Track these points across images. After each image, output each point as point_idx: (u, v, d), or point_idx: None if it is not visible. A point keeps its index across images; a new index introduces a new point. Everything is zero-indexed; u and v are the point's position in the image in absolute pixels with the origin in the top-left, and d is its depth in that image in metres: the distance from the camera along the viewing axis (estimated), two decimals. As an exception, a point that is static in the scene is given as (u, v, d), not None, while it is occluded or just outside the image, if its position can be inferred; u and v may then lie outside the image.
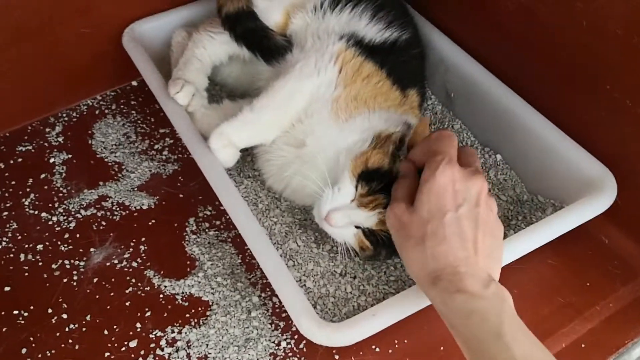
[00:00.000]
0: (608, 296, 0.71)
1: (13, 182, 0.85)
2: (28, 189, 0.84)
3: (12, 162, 0.87)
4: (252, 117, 0.74)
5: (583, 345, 0.68)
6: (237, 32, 0.82)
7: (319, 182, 0.71)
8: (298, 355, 0.67)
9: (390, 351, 0.67)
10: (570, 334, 0.69)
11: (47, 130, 0.91)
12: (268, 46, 0.81)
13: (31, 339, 0.69)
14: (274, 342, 0.68)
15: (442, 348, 0.67)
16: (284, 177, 0.76)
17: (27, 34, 0.86)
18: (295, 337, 0.68)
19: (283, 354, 0.67)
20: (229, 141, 0.74)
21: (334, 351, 0.67)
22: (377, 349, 0.67)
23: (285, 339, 0.68)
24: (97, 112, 0.94)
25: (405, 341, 0.68)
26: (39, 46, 0.87)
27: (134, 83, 0.98)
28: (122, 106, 0.94)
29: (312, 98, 0.74)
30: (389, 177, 0.68)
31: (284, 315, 0.70)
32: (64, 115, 0.93)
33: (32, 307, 0.72)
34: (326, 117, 0.73)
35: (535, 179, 0.77)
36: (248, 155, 0.83)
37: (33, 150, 0.89)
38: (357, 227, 0.69)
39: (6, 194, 0.83)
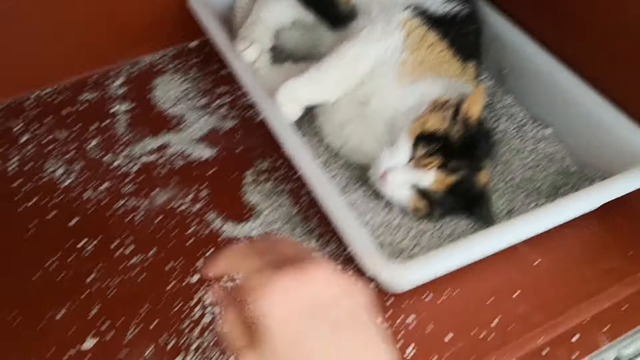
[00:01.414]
0: (649, 265, 0.74)
1: (78, 125, 0.88)
2: (92, 134, 0.87)
3: (76, 108, 0.91)
4: (319, 75, 0.77)
5: (623, 308, 0.71)
6: None
7: (377, 141, 0.74)
8: (353, 298, 0.70)
9: (441, 299, 0.70)
10: (612, 297, 0.72)
11: (109, 81, 0.95)
12: (334, 13, 0.84)
13: (97, 267, 0.72)
14: (330, 284, 0.71)
15: (491, 299, 0.70)
16: (343, 135, 0.80)
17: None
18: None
19: (339, 296, 0.70)
20: (294, 97, 0.77)
21: (387, 296, 0.70)
22: (429, 297, 0.71)
23: (340, 282, 0.71)
24: (156, 68, 0.98)
25: (457, 291, 0.71)
26: (105, 2, 0.92)
27: (192, 44, 1.02)
28: (180, 65, 0.98)
29: (378, 61, 0.77)
30: (445, 140, 0.72)
31: (339, 260, 0.73)
32: (125, 69, 0.97)
33: (97, 240, 0.75)
34: (391, 79, 0.77)
35: (583, 151, 0.81)
36: (306, 115, 0.86)
37: (96, 99, 0.92)
38: (412, 187, 0.73)
39: (71, 137, 0.87)
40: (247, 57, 0.83)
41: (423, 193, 0.72)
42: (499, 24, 0.89)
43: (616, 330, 0.68)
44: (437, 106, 0.75)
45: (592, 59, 0.81)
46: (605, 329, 0.69)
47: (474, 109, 0.73)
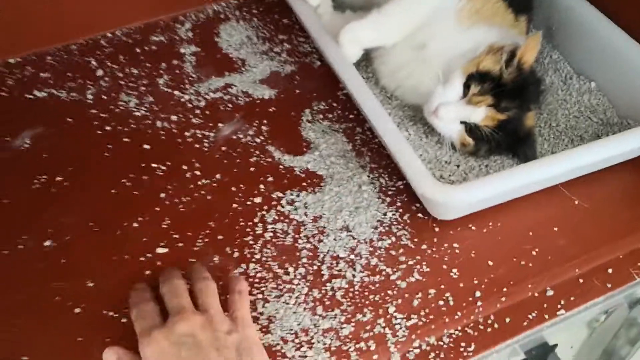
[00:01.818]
0: (684, 211, 0.79)
1: (148, 65, 0.95)
2: (161, 72, 0.94)
3: (146, 48, 0.98)
4: (381, 19, 0.82)
5: (658, 248, 0.75)
6: None
7: (433, 82, 0.79)
8: (402, 225, 0.76)
9: (484, 230, 0.76)
10: (645, 239, 0.76)
11: (177, 26, 1.01)
12: None
13: (168, 187, 0.79)
14: (381, 212, 0.77)
15: (530, 233, 0.76)
16: (399, 77, 0.85)
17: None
18: (400, 210, 0.77)
19: (389, 222, 0.76)
20: (356, 38, 0.83)
21: (434, 224, 0.76)
22: (473, 227, 0.76)
23: (390, 211, 0.77)
24: (221, 15, 1.04)
25: (499, 224, 0.76)
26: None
27: (254, -5, 1.08)
28: (244, 13, 1.04)
29: (437, 7, 0.82)
30: (497, 81, 0.77)
31: (390, 192, 0.79)
32: (192, 15, 1.03)
33: (168, 163, 0.82)
34: (449, 24, 0.82)
35: (625, 104, 0.85)
36: (363, 60, 0.92)
37: (165, 41, 0.99)
38: (462, 123, 0.78)
39: (142, 74, 0.93)
40: (311, 1, 0.89)
41: (472, 128, 0.77)
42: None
43: (648, 267, 0.73)
44: (492, 50, 0.79)
45: (634, 10, 0.85)
46: (638, 265, 0.73)
47: (529, 55, 0.78)
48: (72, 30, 0.97)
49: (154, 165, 0.82)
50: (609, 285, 0.71)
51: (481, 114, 0.76)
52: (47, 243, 0.73)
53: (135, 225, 0.75)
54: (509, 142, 0.79)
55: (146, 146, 0.84)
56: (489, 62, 0.78)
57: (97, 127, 0.86)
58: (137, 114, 0.88)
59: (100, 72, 0.93)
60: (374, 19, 0.82)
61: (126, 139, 0.85)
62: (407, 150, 0.72)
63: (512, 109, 0.77)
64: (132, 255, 0.72)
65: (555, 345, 0.76)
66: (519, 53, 0.78)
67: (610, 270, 0.73)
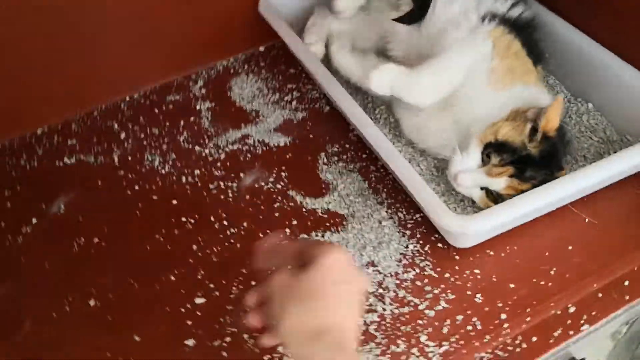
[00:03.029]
0: (691, 219, 0.82)
1: (167, 124, 1.00)
2: (181, 129, 0.99)
3: (164, 108, 1.03)
4: (420, 75, 0.84)
5: (670, 257, 0.79)
6: None
7: (454, 140, 0.82)
8: (424, 255, 0.80)
9: (502, 254, 0.80)
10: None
11: (191, 84, 1.07)
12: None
13: (199, 239, 0.84)
14: (403, 245, 0.81)
15: (547, 253, 0.79)
16: (424, 133, 0.88)
17: (173, 4, 1.02)
18: (421, 242, 0.81)
19: (411, 254, 0.80)
20: (390, 78, 0.84)
21: (454, 252, 0.80)
22: (492, 252, 0.80)
23: (412, 243, 0.81)
24: (231, 71, 1.09)
25: (515, 247, 0.80)
26: (184, 11, 1.03)
27: (261, 49, 1.13)
28: (253, 67, 1.10)
29: (470, 69, 0.84)
30: (520, 152, 0.78)
31: (409, 225, 0.83)
32: (203, 73, 1.09)
33: (197, 216, 0.86)
34: (482, 85, 0.84)
35: (623, 121, 0.90)
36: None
37: (181, 100, 1.04)
38: (482, 189, 0.80)
39: (163, 132, 0.99)
40: (314, 51, 0.95)
41: (495, 194, 0.79)
42: (540, 11, 0.98)
43: (662, 276, 0.77)
44: (514, 115, 0.81)
45: (623, 35, 0.90)
46: (652, 275, 0.77)
47: (553, 123, 0.78)
48: (93, 97, 1.03)
49: (183, 219, 0.86)
50: (627, 297, 0.75)
51: (502, 184, 0.78)
52: (91, 302, 0.77)
53: (172, 278, 0.79)
54: None
55: (174, 202, 0.88)
56: (508, 130, 0.79)
57: (126, 188, 0.91)
58: (162, 171, 0.93)
59: (123, 135, 0.99)
60: (411, 73, 0.84)
61: (154, 197, 0.89)
62: (422, 185, 0.76)
63: (539, 177, 0.78)
64: (172, 307, 0.76)
65: (583, 359, 0.80)
66: (542, 123, 0.78)
67: (626, 283, 0.76)
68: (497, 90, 0.84)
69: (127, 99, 1.05)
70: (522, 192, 0.77)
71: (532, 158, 0.78)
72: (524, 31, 0.90)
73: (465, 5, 0.90)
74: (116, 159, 0.95)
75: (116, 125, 1.00)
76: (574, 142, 0.89)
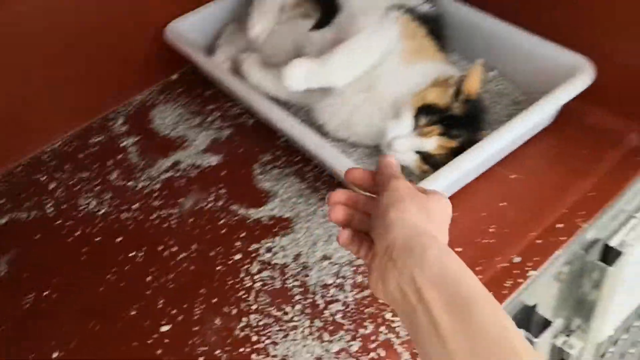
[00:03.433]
0: (602, 158, 0.89)
1: (96, 165, 0.99)
2: (110, 168, 0.99)
3: (89, 151, 1.02)
4: (330, 59, 0.87)
5: (590, 194, 0.85)
6: None
7: (385, 120, 0.86)
8: (373, 239, 0.83)
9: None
10: (580, 190, 0.85)
11: (110, 124, 1.07)
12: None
13: (151, 270, 0.83)
14: (351, 233, 0.84)
15: (484, 214, 0.84)
16: (351, 124, 0.91)
17: (81, 43, 1.01)
18: (367, 227, 0.85)
19: (361, 240, 0.83)
20: (303, 71, 0.87)
21: (401, 231, 0.83)
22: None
23: (359, 230, 0.84)
24: (148, 103, 1.10)
25: (456, 213, 0.82)
26: (91, 52, 1.03)
27: (174, 77, 1.14)
28: (169, 96, 1.11)
29: (382, 52, 0.89)
30: (445, 112, 0.84)
31: (353, 214, 0.86)
32: (121, 110, 1.09)
33: (144, 249, 0.86)
34: (395, 64, 0.89)
35: (525, 81, 0.96)
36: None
37: (104, 140, 1.04)
38: (417, 152, 0.85)
39: (93, 175, 0.98)
40: (252, 30, 0.98)
41: (427, 157, 0.84)
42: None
43: (590, 213, 0.83)
44: (438, 82, 0.87)
45: (513, 5, 0.98)
46: (582, 213, 0.83)
47: (475, 83, 0.85)
48: (12, 154, 1.01)
49: (131, 254, 0.86)
50: (563, 238, 0.81)
51: (433, 143, 0.83)
52: (55, 355, 0.75)
53: (133, 313, 0.79)
54: None
55: (119, 239, 0.88)
56: (434, 94, 0.85)
57: (66, 236, 0.89)
58: (100, 212, 0.92)
59: (52, 185, 0.97)
60: (322, 60, 0.88)
61: (97, 238, 0.88)
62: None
63: (464, 135, 0.83)
64: (139, 340, 0.76)
65: (535, 305, 0.85)
66: (464, 86, 0.85)
67: (559, 226, 0.82)
68: (410, 66, 0.89)
69: (48, 149, 1.04)
70: (452, 151, 0.82)
71: (456, 118, 0.84)
72: (430, 23, 0.96)
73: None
74: (50, 210, 0.93)
75: (43, 177, 0.99)
76: (489, 108, 0.94)
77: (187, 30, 1.08)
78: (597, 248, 0.91)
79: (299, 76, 0.88)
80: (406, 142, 0.84)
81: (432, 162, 0.85)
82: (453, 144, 0.84)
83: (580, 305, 1.01)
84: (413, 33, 0.93)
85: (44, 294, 0.82)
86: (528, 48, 0.94)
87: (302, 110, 1.01)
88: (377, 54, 0.89)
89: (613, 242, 0.91)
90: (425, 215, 0.56)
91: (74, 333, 0.77)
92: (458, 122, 0.84)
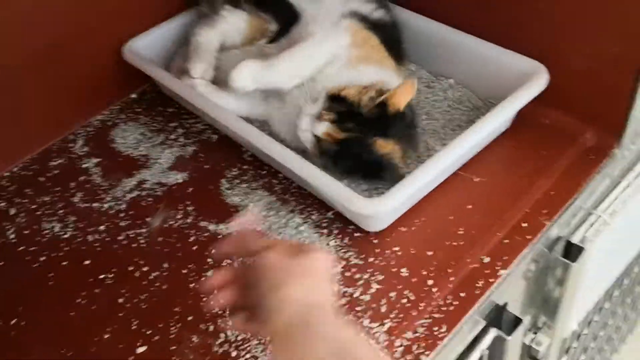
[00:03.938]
0: (560, 157, 0.93)
1: (57, 189, 0.97)
2: (73, 190, 0.97)
3: (49, 174, 1.00)
4: (279, 61, 0.90)
5: (552, 193, 0.88)
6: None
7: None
8: (346, 248, 0.84)
9: (414, 228, 0.85)
10: (540, 188, 0.88)
11: (70, 145, 1.05)
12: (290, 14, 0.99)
13: (122, 291, 0.82)
14: (324, 243, 0.84)
15: (451, 217, 0.86)
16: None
17: (36, 64, 0.99)
18: (339, 236, 0.85)
19: (334, 249, 0.84)
20: (251, 72, 0.89)
21: (372, 237, 0.85)
22: (404, 229, 0.85)
23: (331, 239, 0.85)
24: (109, 123, 1.08)
25: (423, 219, 0.86)
26: (48, 73, 1.01)
27: (133, 96, 1.13)
28: (129, 114, 1.09)
29: (329, 58, 0.91)
30: (350, 107, 0.85)
31: (324, 224, 0.87)
32: (80, 131, 1.07)
33: (114, 270, 0.85)
34: (341, 68, 0.91)
35: (482, 88, 1.00)
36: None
37: (65, 162, 1.02)
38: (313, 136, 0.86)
39: (55, 199, 0.96)
40: (196, 72, 0.98)
41: (318, 140, 0.86)
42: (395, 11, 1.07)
43: (552, 211, 0.86)
44: (365, 87, 0.88)
45: (468, 14, 1.01)
46: (544, 212, 0.86)
47: (398, 99, 0.85)
48: (-32, 181, 0.98)
49: (101, 276, 0.84)
50: (529, 237, 0.83)
51: (322, 127, 0.85)
52: (27, 384, 0.73)
53: (106, 336, 0.77)
54: (357, 163, 0.86)
55: (86, 262, 0.86)
56: (352, 90, 0.87)
57: (31, 262, 0.87)
58: (65, 236, 0.90)
59: (13, 211, 0.94)
60: (270, 63, 0.90)
61: (64, 262, 0.86)
62: (330, 180, 0.80)
63: (354, 132, 0.84)
64: (115, 364, 0.74)
65: (506, 304, 0.87)
66: (387, 94, 0.85)
67: (524, 225, 0.85)
68: (352, 69, 0.91)
69: (7, 174, 1.01)
70: (338, 143, 0.84)
71: (358, 115, 0.85)
72: (383, 31, 0.98)
73: (331, 7, 0.97)
74: (12, 236, 0.91)
75: (2, 203, 0.96)
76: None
77: (145, 48, 1.07)
78: (560, 245, 0.95)
79: (247, 77, 0.89)
80: (307, 121, 0.86)
81: (320, 148, 0.86)
82: (340, 135, 0.85)
83: (545, 303, 1.04)
84: (363, 41, 0.95)
85: (11, 322, 0.80)
86: (484, 55, 0.97)
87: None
88: (323, 59, 0.92)
89: (574, 239, 0.95)
90: (304, 284, 0.55)
91: (46, 361, 0.75)
92: (358, 119, 0.85)
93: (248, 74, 0.89)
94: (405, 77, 0.98)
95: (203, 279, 0.82)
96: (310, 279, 0.56)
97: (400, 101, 0.86)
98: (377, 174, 0.88)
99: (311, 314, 0.53)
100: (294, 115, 0.91)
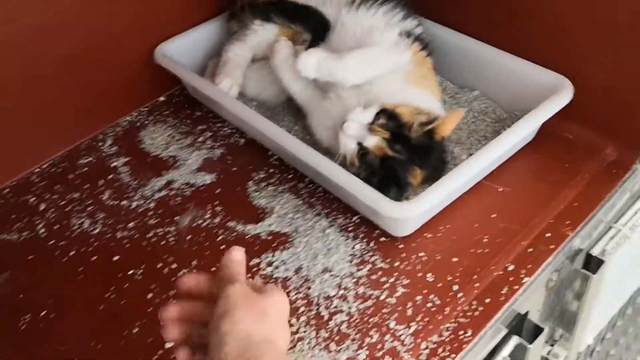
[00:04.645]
0: (582, 170, 0.94)
1: (87, 186, 0.99)
2: (102, 188, 0.98)
3: (78, 172, 1.02)
4: (347, 56, 0.91)
5: (575, 204, 0.90)
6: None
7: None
8: (371, 251, 0.85)
9: (439, 235, 0.87)
10: (564, 199, 0.90)
11: (100, 144, 1.07)
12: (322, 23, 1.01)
13: (152, 287, 0.83)
14: (350, 247, 0.86)
15: (476, 225, 0.87)
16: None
17: (69, 65, 1.02)
18: (365, 240, 0.87)
19: (360, 253, 0.85)
20: (317, 60, 0.91)
21: (398, 242, 0.86)
22: (429, 235, 0.87)
23: (357, 243, 0.86)
24: (137, 124, 1.10)
25: (448, 226, 0.88)
26: (79, 75, 1.04)
27: (161, 98, 1.15)
28: (158, 117, 1.11)
29: (391, 70, 0.94)
30: (400, 129, 0.86)
31: (350, 228, 0.88)
32: (109, 131, 1.09)
33: (143, 266, 0.86)
34: (398, 82, 0.93)
35: (507, 100, 1.01)
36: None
37: (94, 161, 1.04)
38: (358, 144, 0.87)
39: (84, 196, 0.97)
40: (223, 86, 1.00)
41: (363, 152, 0.86)
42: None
43: (575, 222, 0.87)
44: (417, 111, 0.89)
45: (493, 27, 1.03)
46: (567, 223, 0.87)
47: (445, 128, 0.87)
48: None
49: (130, 272, 0.85)
50: (552, 246, 0.84)
51: (373, 141, 0.86)
52: (58, 372, 0.74)
53: (135, 330, 0.78)
54: (385, 180, 0.85)
55: (115, 258, 0.88)
56: (405, 110, 0.88)
57: (61, 256, 0.88)
58: (95, 232, 0.91)
59: (43, 206, 0.96)
60: (339, 54, 0.91)
61: (93, 258, 0.88)
62: (361, 185, 0.82)
63: (402, 154, 0.86)
64: (144, 357, 0.75)
65: (527, 313, 0.88)
66: (436, 123, 0.87)
67: (548, 235, 0.86)
68: (408, 86, 0.93)
69: (37, 170, 1.03)
70: (384, 158, 0.85)
71: (408, 139, 0.86)
72: (429, 49, 1.01)
73: (375, 21, 1.00)
74: (42, 231, 0.92)
75: (32, 199, 0.98)
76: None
77: (176, 52, 1.09)
78: (581, 257, 0.96)
79: (313, 63, 0.91)
80: (355, 128, 0.86)
81: (363, 159, 0.87)
82: (389, 153, 0.86)
83: (563, 315, 1.05)
84: (421, 61, 0.97)
85: (41, 314, 0.81)
86: (509, 68, 0.99)
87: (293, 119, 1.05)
88: (387, 67, 0.93)
89: (595, 251, 0.96)
90: (260, 320, 0.56)
91: (77, 352, 0.76)
92: (407, 142, 0.86)
93: (315, 61, 0.91)
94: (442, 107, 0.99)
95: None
96: (265, 316, 0.57)
97: (446, 130, 0.88)
98: (386, 189, 0.86)
99: (259, 348, 0.53)
100: (336, 114, 0.92)
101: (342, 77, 0.92)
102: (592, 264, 0.96)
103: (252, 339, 0.54)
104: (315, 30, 1.01)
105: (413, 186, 0.88)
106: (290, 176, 0.97)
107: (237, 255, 0.63)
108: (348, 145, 0.87)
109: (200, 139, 1.06)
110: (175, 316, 0.61)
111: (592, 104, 0.95)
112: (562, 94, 0.92)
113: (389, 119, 0.88)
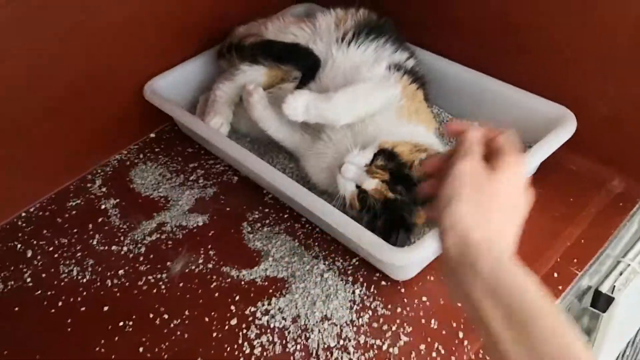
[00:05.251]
0: (588, 204, 0.91)
1: (75, 230, 0.95)
2: (91, 232, 0.95)
3: (67, 215, 0.98)
4: (335, 96, 0.87)
5: (582, 241, 0.87)
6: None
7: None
8: (372, 296, 0.81)
9: (442, 277, 0.83)
10: (570, 236, 0.87)
11: (89, 185, 1.03)
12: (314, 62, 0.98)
13: (143, 339, 0.80)
14: (349, 292, 0.82)
15: (480, 266, 0.84)
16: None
17: (56, 106, 0.98)
18: (365, 284, 0.83)
19: (360, 298, 0.81)
20: (305, 102, 0.87)
21: (399, 286, 0.82)
22: (432, 278, 0.83)
23: (357, 288, 0.83)
24: (127, 163, 1.07)
25: (452, 267, 0.84)
26: (68, 115, 1.00)
27: (152, 135, 1.12)
28: (148, 154, 1.08)
29: (381, 106, 0.90)
30: (400, 169, 0.82)
31: (349, 271, 0.85)
32: (99, 171, 1.06)
33: (134, 317, 0.82)
34: (390, 118, 0.90)
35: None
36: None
37: (83, 203, 1.00)
38: (357, 187, 0.83)
39: (73, 240, 0.94)
40: (213, 125, 0.97)
41: (362, 195, 0.83)
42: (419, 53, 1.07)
43: (583, 260, 0.84)
44: (415, 145, 0.85)
45: (493, 58, 1.00)
46: (574, 262, 0.84)
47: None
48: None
49: (120, 323, 0.82)
50: (560, 287, 0.81)
51: (372, 184, 0.82)
52: None
53: (126, 388, 0.75)
54: (389, 224, 0.82)
55: (105, 308, 0.84)
56: (405, 147, 0.84)
57: (48, 307, 0.85)
58: (84, 280, 0.88)
59: (29, 253, 0.92)
60: (327, 95, 0.87)
61: (82, 308, 0.84)
62: (361, 230, 0.78)
63: (404, 196, 0.81)
64: (135, 417, 0.72)
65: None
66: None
67: (556, 275, 0.82)
68: (402, 122, 0.90)
69: (23, 214, 0.99)
70: (384, 201, 0.81)
71: (408, 179, 0.82)
72: (421, 81, 0.98)
73: (366, 57, 0.97)
74: (29, 280, 0.89)
75: (19, 245, 0.94)
76: None
77: (166, 88, 1.06)
78: (589, 295, 0.92)
79: (300, 106, 0.87)
80: (353, 170, 0.83)
81: (363, 202, 0.83)
82: (390, 196, 0.82)
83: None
84: (412, 95, 0.94)
85: (28, 371, 0.78)
86: (510, 99, 0.96)
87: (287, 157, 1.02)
88: (378, 103, 0.90)
89: (604, 288, 0.92)
90: (485, 211, 0.55)
91: (64, 413, 0.73)
92: (408, 182, 0.82)
93: (302, 103, 0.87)
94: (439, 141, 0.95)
95: (226, 327, 0.80)
96: (492, 203, 0.56)
97: None
98: (391, 233, 0.82)
99: (476, 249, 0.53)
100: (331, 155, 0.90)
101: (333, 118, 0.88)
102: (601, 301, 0.93)
103: (470, 239, 0.53)
104: (306, 68, 0.98)
105: (418, 226, 0.85)
106: (286, 215, 0.94)
107: (475, 133, 0.61)
108: (347, 188, 0.84)
109: (192, 177, 1.03)
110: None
111: (596, 134, 0.93)
112: (565, 127, 0.89)
113: (388, 159, 0.84)
